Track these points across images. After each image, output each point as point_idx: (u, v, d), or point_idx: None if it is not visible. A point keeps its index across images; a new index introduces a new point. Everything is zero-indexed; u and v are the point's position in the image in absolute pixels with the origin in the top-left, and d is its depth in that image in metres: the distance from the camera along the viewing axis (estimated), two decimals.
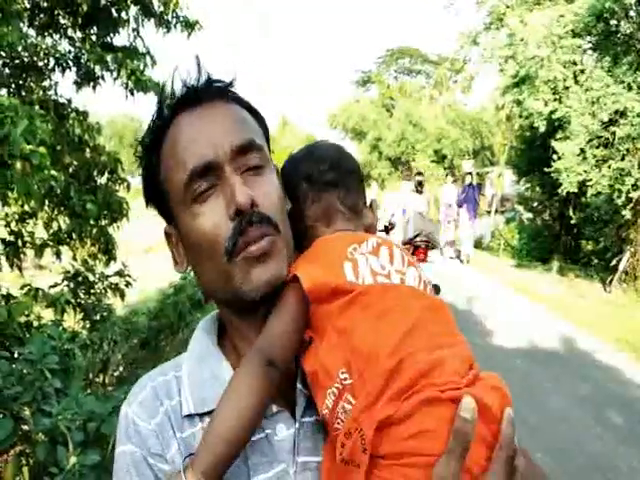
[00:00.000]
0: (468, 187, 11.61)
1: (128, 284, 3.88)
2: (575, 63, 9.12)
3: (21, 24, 3.86)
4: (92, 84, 4.47)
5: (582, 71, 9.01)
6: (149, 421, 0.70)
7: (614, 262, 8.99)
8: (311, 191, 0.80)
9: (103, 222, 4.26)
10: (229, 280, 0.69)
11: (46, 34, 4.57)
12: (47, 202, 4.08)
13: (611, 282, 8.89)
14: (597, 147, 8.57)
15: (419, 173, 9.78)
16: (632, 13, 8.74)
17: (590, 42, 9.90)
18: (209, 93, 0.73)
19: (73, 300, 3.70)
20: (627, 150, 8.16)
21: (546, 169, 9.06)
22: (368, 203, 0.86)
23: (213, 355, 0.76)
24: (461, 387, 0.60)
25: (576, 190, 8.72)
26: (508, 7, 10.78)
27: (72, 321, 3.82)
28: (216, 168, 0.69)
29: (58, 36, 4.72)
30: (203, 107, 0.72)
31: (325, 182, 0.80)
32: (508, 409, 0.60)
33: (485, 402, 0.59)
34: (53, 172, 3.32)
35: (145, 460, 0.69)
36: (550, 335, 6.60)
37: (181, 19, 4.89)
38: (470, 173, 12.18)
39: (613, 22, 9.11)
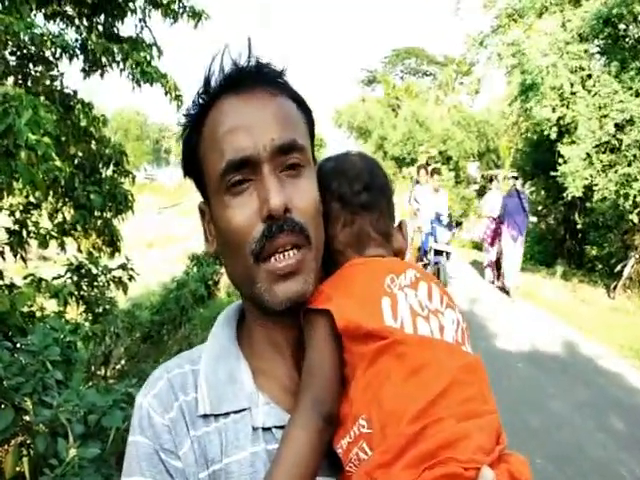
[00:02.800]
0: (510, 196, 8.95)
1: (131, 278, 3.85)
2: (582, 68, 9.10)
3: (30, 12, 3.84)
4: (100, 72, 4.45)
5: (589, 76, 8.98)
6: (163, 415, 0.69)
7: (618, 268, 8.98)
8: (343, 213, 0.76)
9: (108, 214, 4.24)
10: (253, 283, 0.69)
11: (53, 23, 4.55)
12: (51, 193, 4.06)
13: (615, 288, 8.89)
14: (604, 152, 8.56)
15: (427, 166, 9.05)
16: None
17: (598, 46, 9.86)
18: (258, 78, 0.71)
19: (76, 292, 3.68)
20: (634, 156, 8.15)
21: (552, 173, 9.03)
22: (397, 224, 0.83)
23: (231, 354, 0.75)
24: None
25: (581, 194, 8.69)
26: (516, 12, 10.75)
27: (75, 313, 3.80)
28: (253, 164, 0.67)
29: (65, 25, 4.70)
30: (249, 93, 0.70)
31: (359, 205, 0.76)
32: None
33: None
34: (58, 163, 3.30)
35: (157, 454, 0.68)
36: (553, 340, 6.60)
37: (187, 9, 4.88)
38: (516, 177, 9.76)
39: (621, 26, 9.07)
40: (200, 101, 0.73)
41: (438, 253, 8.08)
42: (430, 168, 9.66)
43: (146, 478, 0.67)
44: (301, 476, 0.61)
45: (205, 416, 0.69)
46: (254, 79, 0.70)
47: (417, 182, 9.24)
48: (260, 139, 0.67)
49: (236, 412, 0.69)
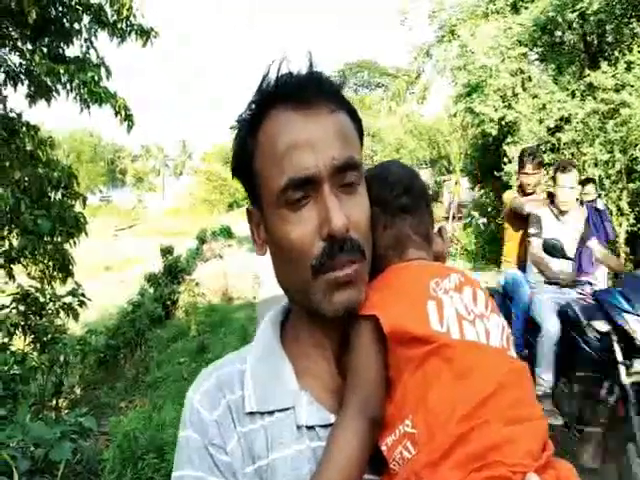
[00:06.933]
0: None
1: (82, 304, 3.73)
2: (522, 71, 9.52)
3: None
4: (46, 98, 4.34)
5: (529, 78, 9.41)
6: (211, 412, 0.72)
7: None
8: (383, 217, 0.77)
9: (58, 238, 4.10)
10: (309, 293, 0.70)
11: None
12: None
13: None
14: (544, 152, 8.96)
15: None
16: (575, 25, 9.23)
17: (537, 53, 10.38)
18: (318, 93, 0.70)
19: (23, 322, 3.55)
20: (572, 155, 8.55)
21: (496, 173, 9.38)
22: (436, 230, 0.84)
23: (276, 354, 0.76)
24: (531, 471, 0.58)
25: None
26: (458, 19, 11.17)
27: (22, 343, 3.67)
28: (314, 182, 0.67)
29: (7, 49, 4.58)
30: (309, 107, 0.69)
31: (399, 207, 0.78)
32: None
33: None
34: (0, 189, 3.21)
35: (205, 448, 0.70)
36: None
37: (135, 27, 4.83)
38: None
39: (558, 33, 9.59)
40: (255, 107, 0.72)
41: None
42: None
43: (196, 471, 0.69)
44: (350, 477, 0.63)
45: (251, 413, 0.72)
46: (314, 93, 0.70)
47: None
48: (321, 158, 0.67)
49: (281, 410, 0.71)
